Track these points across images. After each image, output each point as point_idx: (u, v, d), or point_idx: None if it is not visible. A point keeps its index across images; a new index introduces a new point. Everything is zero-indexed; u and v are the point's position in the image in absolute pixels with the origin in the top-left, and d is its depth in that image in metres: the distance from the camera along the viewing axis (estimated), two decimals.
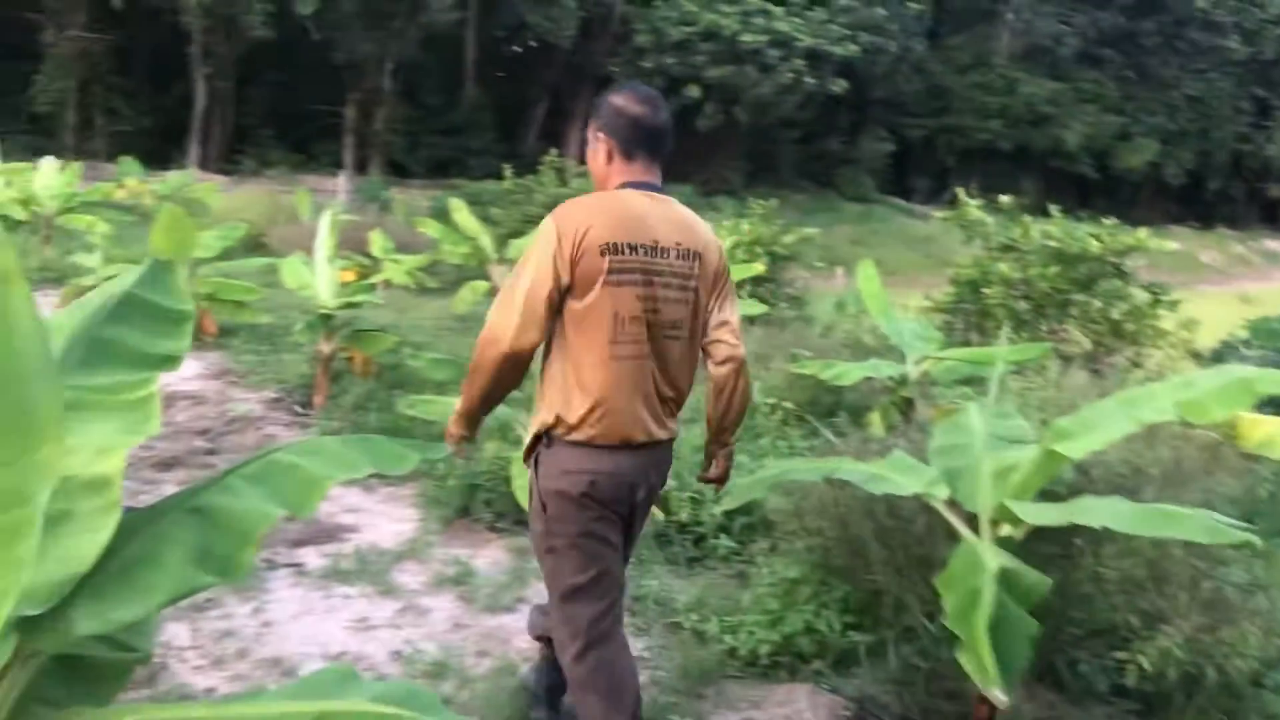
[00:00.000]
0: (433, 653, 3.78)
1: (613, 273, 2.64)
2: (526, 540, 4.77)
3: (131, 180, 18.13)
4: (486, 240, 9.96)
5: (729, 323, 2.89)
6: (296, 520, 4.98)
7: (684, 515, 4.76)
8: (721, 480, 3.22)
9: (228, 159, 29.34)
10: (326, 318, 6.55)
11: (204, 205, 15.89)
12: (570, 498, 2.75)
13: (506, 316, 2.66)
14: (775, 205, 11.75)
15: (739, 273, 8.79)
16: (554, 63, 34.71)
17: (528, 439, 2.87)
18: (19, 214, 13.32)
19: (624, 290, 2.66)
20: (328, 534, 4.88)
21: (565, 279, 2.64)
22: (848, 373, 5.93)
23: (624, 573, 3.00)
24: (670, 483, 4.72)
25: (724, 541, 4.63)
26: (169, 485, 5.23)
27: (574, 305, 2.67)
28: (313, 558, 4.58)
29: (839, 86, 33.78)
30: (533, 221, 11.92)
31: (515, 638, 3.93)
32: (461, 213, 9.83)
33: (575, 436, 2.72)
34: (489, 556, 4.66)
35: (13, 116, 26.89)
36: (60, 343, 2.12)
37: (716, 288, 2.88)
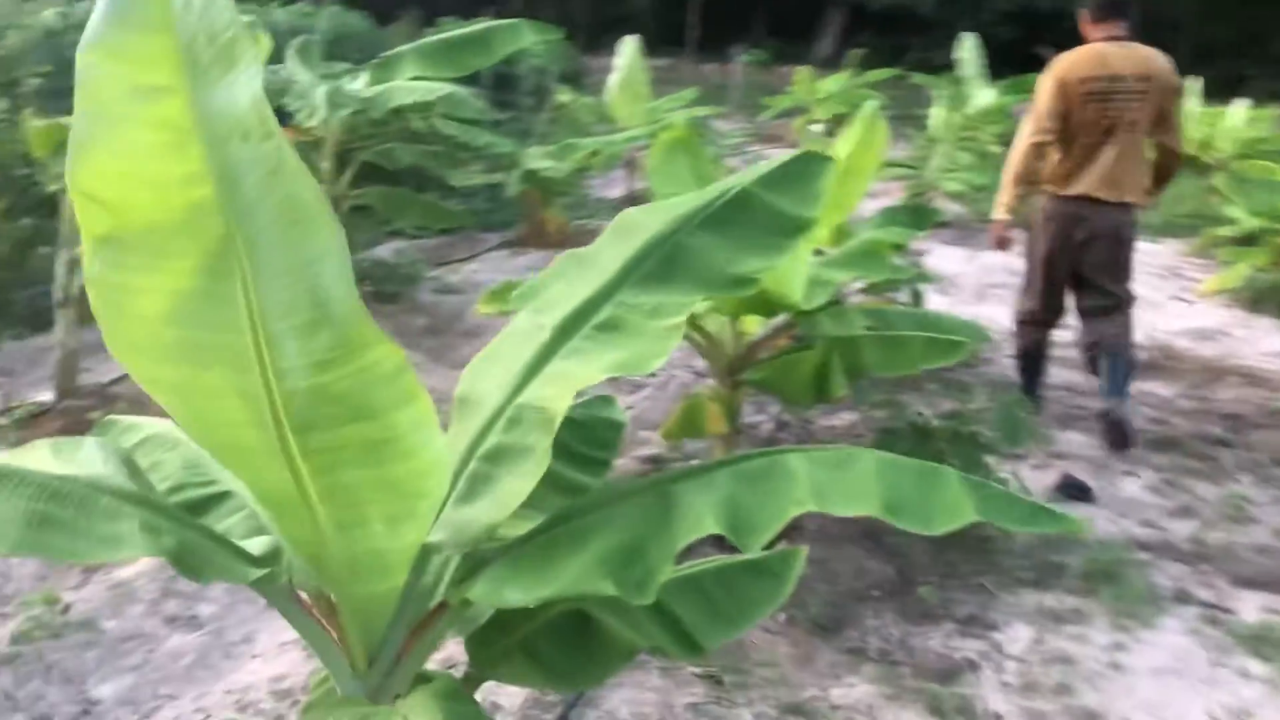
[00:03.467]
0: None
1: (1087, 95, 4.36)
2: None
3: None
4: None
5: (1170, 126, 4.52)
6: (1267, 553, 3.84)
7: None
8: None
9: None
10: None
11: None
12: (1047, 229, 4.62)
13: (1034, 124, 4.46)
14: None
15: None
16: None
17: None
18: (1202, 158, 12.86)
19: (1094, 105, 4.37)
20: None
21: (1061, 101, 4.39)
22: None
23: (1104, 297, 4.64)
24: None
25: None
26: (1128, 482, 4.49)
27: (1067, 117, 4.40)
28: (1250, 608, 3.45)
29: None
30: None
31: None
32: None
33: (1061, 192, 4.53)
34: None
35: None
36: (642, 244, 1.77)
37: (1163, 102, 4.44)
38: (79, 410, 4.38)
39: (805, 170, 1.80)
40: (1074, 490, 4.19)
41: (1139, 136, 4.40)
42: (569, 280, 1.77)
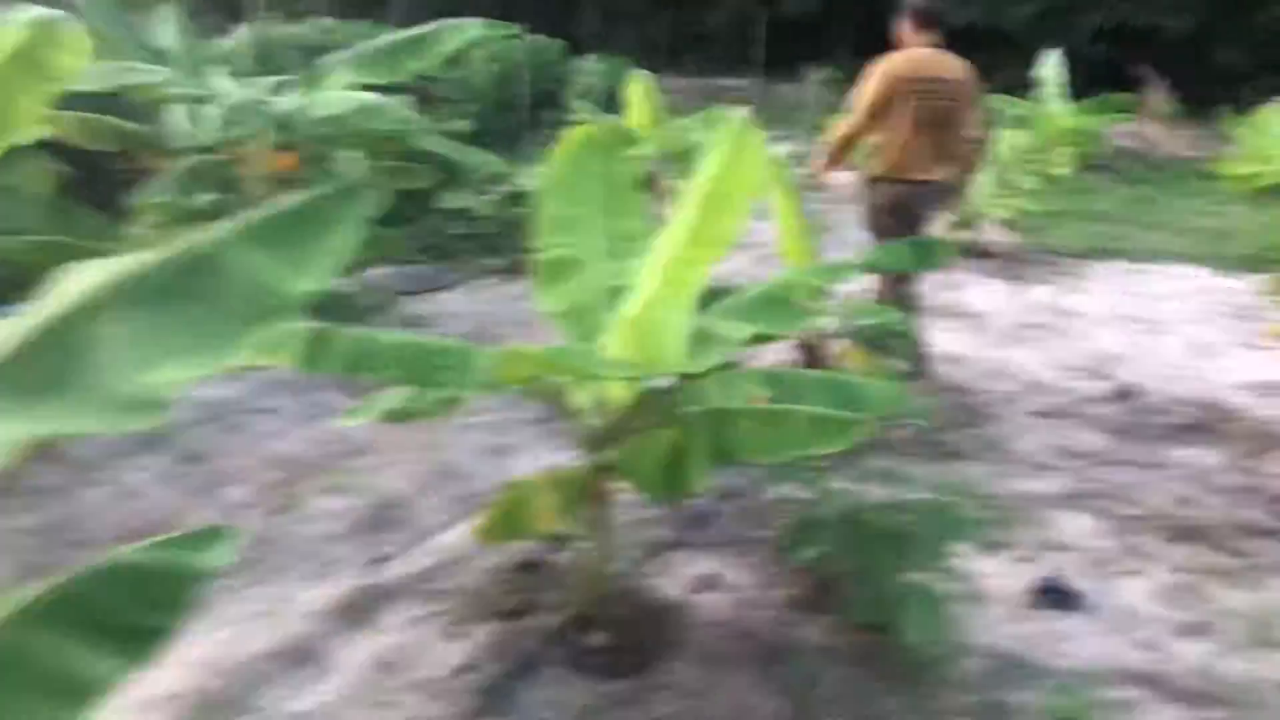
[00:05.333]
0: None
1: (911, 93, 5.03)
2: None
3: None
4: None
5: (974, 119, 5.22)
6: None
7: None
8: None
9: None
10: None
11: None
12: (882, 208, 5.26)
13: (858, 116, 5.15)
14: None
15: None
16: None
17: (868, 178, 5.36)
18: None
19: (916, 102, 5.03)
20: None
21: (887, 97, 5.06)
22: None
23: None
24: None
25: None
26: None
27: (891, 110, 5.06)
28: None
29: None
30: None
31: None
32: None
33: (889, 175, 5.20)
34: None
35: None
36: (37, 328, 1.10)
37: (969, 99, 5.16)
38: None
39: (325, 214, 1.11)
40: (1054, 596, 3.37)
41: (955, 127, 5.18)
42: None
